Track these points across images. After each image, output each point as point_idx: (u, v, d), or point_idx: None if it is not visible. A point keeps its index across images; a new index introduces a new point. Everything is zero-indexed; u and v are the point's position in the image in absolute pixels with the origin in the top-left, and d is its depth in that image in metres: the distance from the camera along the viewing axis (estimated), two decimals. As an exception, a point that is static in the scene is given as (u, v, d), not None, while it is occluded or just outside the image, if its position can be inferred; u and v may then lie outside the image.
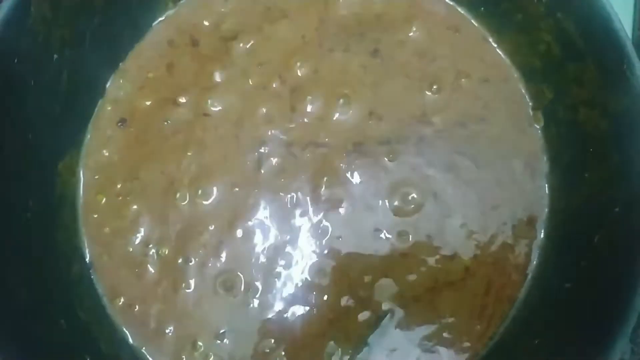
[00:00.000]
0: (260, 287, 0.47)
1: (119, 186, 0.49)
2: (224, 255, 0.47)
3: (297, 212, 0.48)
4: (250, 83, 0.51)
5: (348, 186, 0.48)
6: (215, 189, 0.48)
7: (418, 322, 0.46)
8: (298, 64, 0.51)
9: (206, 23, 0.52)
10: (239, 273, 0.47)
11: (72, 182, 0.49)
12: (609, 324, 0.38)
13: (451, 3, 0.52)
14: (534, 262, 0.48)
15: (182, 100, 0.50)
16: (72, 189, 0.49)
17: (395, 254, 0.47)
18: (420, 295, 0.46)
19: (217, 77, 0.51)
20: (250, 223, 0.48)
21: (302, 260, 0.47)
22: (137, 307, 0.47)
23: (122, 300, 0.47)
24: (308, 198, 0.48)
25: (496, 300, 0.47)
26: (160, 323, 0.47)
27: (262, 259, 0.47)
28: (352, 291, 0.46)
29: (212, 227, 0.48)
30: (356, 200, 0.48)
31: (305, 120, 0.50)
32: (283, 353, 0.46)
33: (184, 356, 0.46)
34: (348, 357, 0.46)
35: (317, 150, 0.49)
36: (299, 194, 0.48)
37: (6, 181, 0.43)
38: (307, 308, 0.46)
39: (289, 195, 0.48)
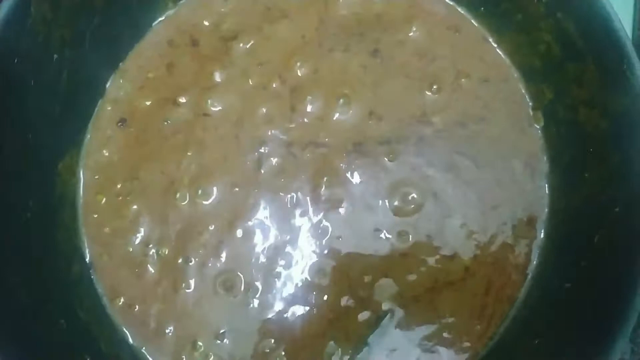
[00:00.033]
0: (260, 287, 0.47)
1: (119, 186, 0.49)
2: (224, 255, 0.47)
3: (297, 212, 0.48)
4: (250, 83, 0.51)
5: (348, 186, 0.48)
6: (215, 189, 0.48)
7: (418, 322, 0.46)
8: (298, 64, 0.51)
9: (206, 23, 0.52)
10: (239, 273, 0.47)
11: (72, 182, 0.49)
12: (609, 324, 0.38)
13: (451, 3, 0.52)
14: (534, 262, 0.48)
15: (182, 100, 0.50)
16: (72, 189, 0.49)
17: (395, 254, 0.47)
18: (420, 295, 0.46)
19: (217, 77, 0.51)
20: (250, 223, 0.48)
21: (302, 260, 0.47)
22: (137, 307, 0.47)
23: (122, 300, 0.47)
24: (308, 198, 0.48)
25: (496, 300, 0.47)
26: (160, 323, 0.47)
27: (262, 259, 0.47)
28: (352, 291, 0.46)
29: (212, 227, 0.48)
30: (356, 200, 0.48)
31: (305, 120, 0.50)
32: (283, 353, 0.46)
33: (184, 356, 0.46)
34: (348, 357, 0.46)
35: (317, 150, 0.49)
36: (299, 194, 0.48)
37: (6, 181, 0.43)
38: (307, 308, 0.46)
39: (288, 195, 0.48)
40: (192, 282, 0.47)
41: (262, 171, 0.49)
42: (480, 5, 0.51)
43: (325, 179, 0.48)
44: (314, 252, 0.47)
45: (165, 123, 0.50)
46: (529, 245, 0.48)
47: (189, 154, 0.49)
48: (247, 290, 0.47)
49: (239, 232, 0.48)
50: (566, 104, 0.47)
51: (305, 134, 0.49)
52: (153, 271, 0.47)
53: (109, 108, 0.51)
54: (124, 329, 0.47)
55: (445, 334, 0.46)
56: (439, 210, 0.48)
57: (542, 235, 0.48)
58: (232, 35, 0.52)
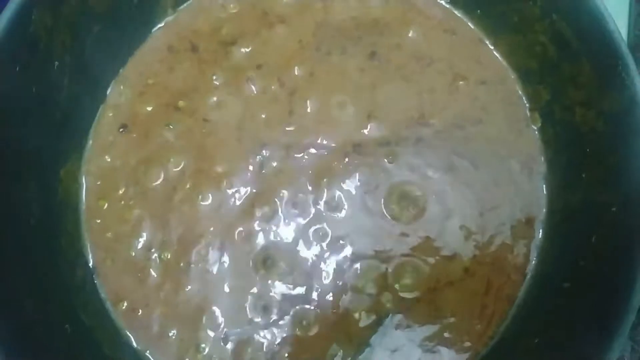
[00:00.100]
0: (262, 290, 0.47)
1: (121, 191, 0.49)
2: (225, 258, 0.48)
3: (298, 214, 0.48)
4: (250, 87, 0.51)
5: (348, 188, 0.48)
6: (216, 192, 0.49)
7: (419, 323, 0.46)
8: (296, 67, 0.51)
9: (205, 28, 0.53)
10: (240, 276, 0.47)
11: (74, 187, 0.49)
12: (607, 323, 0.39)
13: (447, 6, 0.53)
14: (533, 261, 0.48)
15: (183, 105, 0.51)
16: (75, 194, 0.49)
17: (396, 255, 0.47)
18: (420, 296, 0.47)
19: (217, 82, 0.51)
20: (251, 227, 0.48)
21: (303, 262, 0.47)
22: (140, 310, 0.47)
23: (125, 304, 0.47)
24: (308, 200, 0.48)
25: (496, 300, 0.47)
26: (164, 326, 0.47)
27: (264, 261, 0.47)
28: (353, 292, 0.47)
29: (213, 231, 0.48)
30: (356, 201, 0.48)
31: (304, 123, 0.50)
32: (286, 355, 0.46)
33: (187, 359, 0.46)
34: (350, 357, 0.46)
35: (317, 153, 0.49)
36: (299, 196, 0.48)
37: (9, 188, 0.43)
38: (309, 310, 0.47)
39: (289, 198, 0.48)
40: (194, 285, 0.47)
41: (262, 174, 0.49)
42: (476, 7, 0.52)
43: (325, 180, 0.49)
44: (314, 254, 0.47)
45: (166, 128, 0.50)
46: (528, 246, 0.48)
47: (190, 158, 0.49)
48: (249, 294, 0.47)
49: (240, 236, 0.48)
50: (563, 105, 0.48)
51: (304, 137, 0.50)
52: (156, 275, 0.48)
53: (110, 114, 0.51)
54: (128, 333, 0.47)
55: (446, 334, 0.46)
56: (438, 211, 0.48)
57: (540, 235, 0.49)
58: (231, 40, 0.52)
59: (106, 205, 0.49)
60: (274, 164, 0.49)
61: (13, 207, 0.43)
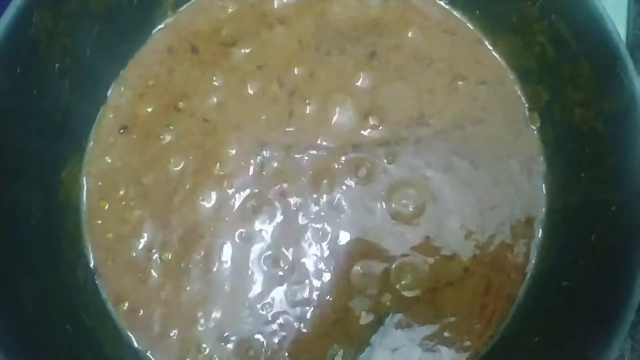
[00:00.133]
0: (262, 290, 0.47)
1: (121, 192, 0.49)
2: (226, 259, 0.48)
3: (298, 215, 0.48)
4: (250, 88, 0.51)
5: (347, 188, 0.49)
6: (216, 193, 0.49)
7: (419, 322, 0.46)
8: (296, 68, 0.51)
9: (205, 30, 0.53)
10: (241, 276, 0.47)
11: (75, 189, 0.49)
12: (607, 322, 0.39)
13: (446, 7, 0.53)
14: (533, 261, 0.48)
15: (183, 106, 0.51)
16: (76, 195, 0.49)
17: (396, 254, 0.47)
18: (420, 296, 0.47)
19: (217, 83, 0.51)
20: (251, 227, 0.48)
21: (303, 262, 0.47)
22: (141, 311, 0.47)
23: (126, 304, 0.47)
24: (308, 201, 0.48)
25: (496, 299, 0.47)
26: (165, 327, 0.47)
27: (265, 262, 0.48)
28: (353, 292, 0.47)
29: (214, 232, 0.48)
30: (356, 202, 0.48)
31: (304, 123, 0.50)
32: (286, 354, 0.46)
33: (188, 359, 0.46)
34: (350, 357, 0.46)
35: (316, 154, 0.49)
36: (299, 197, 0.48)
37: (10, 189, 0.43)
38: (310, 310, 0.47)
39: (289, 199, 0.48)
40: (195, 286, 0.47)
41: (262, 175, 0.49)
42: (475, 8, 0.52)
43: (324, 181, 0.49)
44: (314, 254, 0.48)
45: (167, 129, 0.50)
46: (527, 245, 0.48)
47: (190, 158, 0.49)
48: (250, 294, 0.47)
49: (241, 236, 0.48)
50: (562, 105, 0.48)
51: (304, 138, 0.50)
52: (156, 276, 0.48)
53: (111, 115, 0.51)
54: (129, 333, 0.47)
55: (446, 334, 0.46)
56: (438, 211, 0.48)
57: (540, 235, 0.49)
58: (231, 41, 0.52)
59: (107, 206, 0.49)
60: (274, 164, 0.49)
61: (14, 208, 0.43)
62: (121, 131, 0.51)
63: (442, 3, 0.53)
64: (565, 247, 0.46)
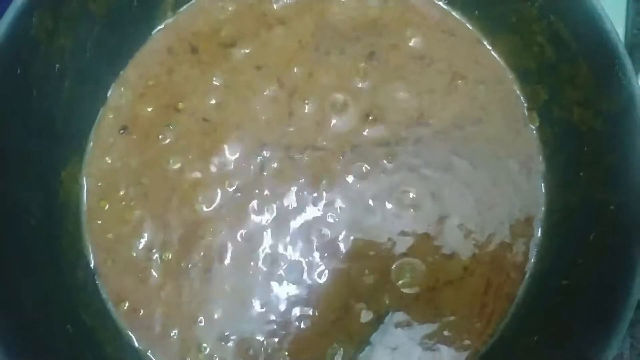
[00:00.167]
0: (263, 290, 0.47)
1: (122, 192, 0.49)
2: (226, 259, 0.48)
3: (298, 215, 0.48)
4: (249, 88, 0.51)
5: (347, 188, 0.49)
6: (216, 193, 0.49)
7: (419, 321, 0.47)
8: (295, 68, 0.51)
9: (205, 30, 0.53)
10: (241, 276, 0.47)
11: (75, 189, 0.49)
12: (605, 320, 0.39)
13: (446, 7, 0.53)
14: (532, 260, 0.48)
15: (183, 106, 0.51)
16: (76, 196, 0.49)
17: (395, 254, 0.47)
18: (420, 294, 0.47)
19: (217, 83, 0.51)
20: (251, 227, 0.48)
21: (303, 262, 0.48)
22: (141, 311, 0.47)
23: (126, 304, 0.48)
24: (308, 201, 0.49)
25: (495, 298, 0.47)
26: (165, 326, 0.47)
27: (265, 261, 0.48)
28: (353, 291, 0.47)
29: (214, 231, 0.48)
30: (355, 201, 0.48)
31: (303, 123, 0.50)
32: (286, 353, 0.46)
33: (189, 358, 0.46)
34: (350, 356, 0.46)
35: (316, 154, 0.49)
36: (299, 197, 0.49)
37: (10, 189, 0.43)
38: (310, 309, 0.47)
39: (288, 199, 0.49)
40: (195, 285, 0.47)
41: (262, 175, 0.49)
42: (474, 8, 0.52)
43: (324, 181, 0.49)
44: (314, 254, 0.48)
45: (167, 129, 0.50)
46: (527, 244, 0.49)
47: (190, 159, 0.50)
48: (250, 293, 0.47)
49: (241, 236, 0.48)
50: (561, 105, 0.48)
51: (303, 138, 0.50)
52: (157, 275, 0.48)
53: (111, 116, 0.51)
54: (130, 333, 0.47)
55: (445, 332, 0.47)
56: (437, 211, 0.48)
57: (539, 234, 0.49)
58: (230, 42, 0.52)
59: (107, 206, 0.49)
60: (274, 164, 0.49)
61: (14, 208, 0.43)
62: (121, 131, 0.51)
63: (441, 3, 0.53)
64: (564, 246, 0.46)
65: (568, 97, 0.47)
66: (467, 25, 0.53)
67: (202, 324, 0.47)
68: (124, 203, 0.49)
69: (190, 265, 0.48)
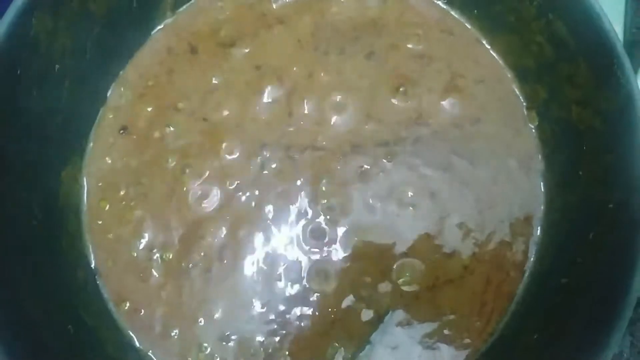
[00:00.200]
0: (263, 289, 0.47)
1: (122, 192, 0.49)
2: (226, 258, 0.48)
3: (298, 215, 0.48)
4: (249, 88, 0.51)
5: (347, 188, 0.49)
6: (216, 193, 0.49)
7: (419, 320, 0.47)
8: (295, 68, 0.51)
9: (204, 30, 0.53)
10: (242, 276, 0.47)
11: (75, 189, 0.49)
12: (605, 318, 0.39)
13: (444, 7, 0.53)
14: (531, 258, 0.48)
15: (183, 106, 0.51)
16: (76, 196, 0.49)
17: (395, 253, 0.48)
18: (420, 294, 0.47)
19: (216, 83, 0.51)
20: (251, 227, 0.48)
21: (304, 262, 0.48)
22: (142, 311, 0.47)
23: (127, 304, 0.48)
24: (308, 201, 0.49)
25: (495, 297, 0.47)
26: (166, 326, 0.47)
27: (265, 261, 0.48)
28: (353, 291, 0.47)
29: (214, 231, 0.48)
30: (355, 201, 0.48)
31: (303, 123, 0.50)
32: (287, 353, 0.46)
33: (189, 358, 0.46)
34: (351, 355, 0.46)
35: (316, 154, 0.49)
36: (299, 197, 0.49)
37: (10, 190, 0.43)
38: (310, 308, 0.47)
39: (288, 199, 0.49)
40: (196, 285, 0.47)
41: (262, 175, 0.49)
42: (473, 8, 0.52)
43: (324, 181, 0.49)
44: (315, 253, 0.48)
45: (167, 129, 0.50)
46: (526, 243, 0.49)
47: (190, 158, 0.50)
48: (251, 293, 0.47)
49: (241, 236, 0.48)
50: (560, 104, 0.48)
51: (303, 138, 0.50)
52: (157, 275, 0.48)
53: (111, 116, 0.51)
54: (131, 333, 0.47)
55: (445, 331, 0.47)
56: (437, 210, 0.48)
57: (538, 233, 0.49)
58: (230, 42, 0.52)
59: (107, 206, 0.49)
60: (274, 164, 0.49)
61: (14, 209, 0.43)
62: (121, 132, 0.51)
63: (440, 3, 0.53)
64: (563, 244, 0.47)
65: (567, 96, 0.47)
66: (466, 24, 0.53)
67: (203, 324, 0.47)
68: (124, 203, 0.49)
69: (190, 265, 0.48)
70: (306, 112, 0.50)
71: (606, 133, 0.44)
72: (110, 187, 0.50)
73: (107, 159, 0.50)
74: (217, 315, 0.47)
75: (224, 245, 0.48)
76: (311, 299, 0.47)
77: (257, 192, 0.49)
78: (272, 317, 0.47)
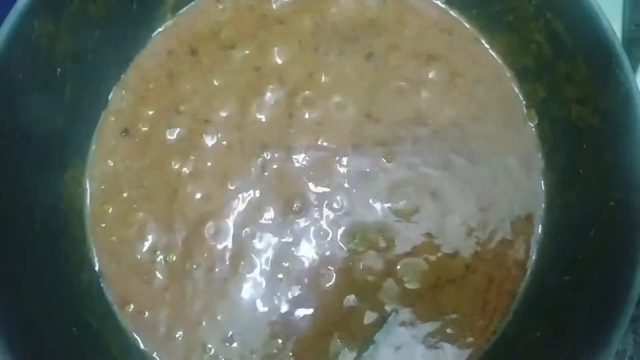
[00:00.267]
0: (266, 290, 0.47)
1: (124, 195, 0.49)
2: (230, 259, 0.48)
3: (299, 215, 0.49)
4: (249, 89, 0.51)
5: (348, 188, 0.49)
6: (218, 194, 0.49)
7: (422, 320, 0.47)
8: (295, 69, 0.51)
9: (204, 32, 0.53)
10: (245, 277, 0.48)
11: (78, 192, 0.50)
12: (606, 315, 0.39)
13: (443, 6, 0.53)
14: (533, 257, 0.49)
15: (184, 108, 0.51)
16: (79, 199, 0.50)
17: (397, 253, 0.48)
18: (423, 293, 0.47)
19: (217, 85, 0.51)
20: (254, 227, 0.48)
21: (306, 262, 0.48)
22: (146, 313, 0.47)
23: (131, 307, 0.48)
24: (309, 201, 0.49)
25: (497, 296, 0.48)
26: (170, 328, 0.47)
27: (267, 262, 0.48)
28: (356, 291, 0.47)
29: (216, 233, 0.48)
30: (357, 201, 0.49)
31: (304, 124, 0.50)
32: (291, 353, 0.46)
33: (194, 360, 0.47)
34: (355, 355, 0.46)
35: (316, 154, 0.50)
36: (301, 197, 0.49)
37: (13, 193, 0.43)
38: (313, 308, 0.47)
39: (290, 199, 0.49)
40: (199, 286, 0.47)
41: (264, 176, 0.49)
42: (472, 7, 0.52)
43: (325, 182, 0.49)
44: (317, 253, 0.48)
45: (168, 131, 0.51)
46: (527, 241, 0.49)
47: (192, 160, 0.50)
48: (254, 293, 0.47)
49: (243, 237, 0.48)
50: (559, 102, 0.48)
51: (304, 138, 0.50)
52: (161, 277, 0.48)
53: (112, 119, 0.51)
54: (135, 335, 0.47)
55: (448, 330, 0.47)
56: (438, 209, 0.49)
57: (539, 231, 0.49)
58: (230, 43, 0.52)
59: (110, 209, 0.49)
60: (275, 165, 0.49)
61: (17, 212, 0.43)
62: (123, 134, 0.51)
63: (439, 2, 0.53)
64: (565, 242, 0.47)
65: (566, 94, 0.47)
66: (465, 24, 0.53)
67: (207, 325, 0.47)
68: (127, 206, 0.49)
69: (194, 267, 0.48)
70: (306, 113, 0.51)
71: (606, 131, 0.44)
72: (113, 190, 0.50)
73: (109, 161, 0.50)
74: (220, 317, 0.47)
75: (227, 246, 0.48)
76: (314, 299, 0.47)
77: (258, 193, 0.49)
78: (275, 317, 0.47)
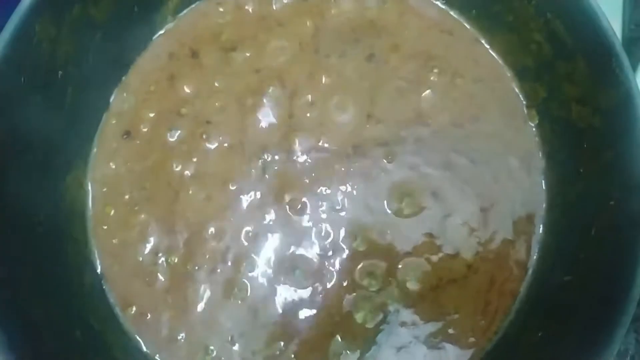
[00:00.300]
0: (268, 291, 0.47)
1: (126, 197, 0.50)
2: (231, 261, 0.48)
3: (300, 216, 0.49)
4: (250, 91, 0.51)
5: (349, 188, 0.49)
6: (219, 196, 0.49)
7: (424, 320, 0.47)
8: (296, 70, 0.51)
9: (205, 34, 0.53)
10: (246, 278, 0.48)
11: (80, 194, 0.50)
12: (608, 315, 0.39)
13: (443, 7, 0.53)
14: (534, 256, 0.49)
15: (185, 111, 0.51)
16: (81, 201, 0.50)
17: (399, 253, 0.48)
18: (424, 294, 0.47)
19: (218, 86, 0.52)
20: (256, 229, 0.48)
21: (307, 263, 0.48)
22: (149, 315, 0.47)
23: (134, 309, 0.48)
24: (310, 202, 0.49)
25: (499, 296, 0.48)
26: (172, 330, 0.47)
27: (269, 263, 0.48)
28: (357, 292, 0.47)
29: (218, 234, 0.48)
30: (357, 202, 0.49)
31: (305, 125, 0.50)
32: (292, 355, 0.46)
33: (196, 361, 0.47)
34: (357, 356, 0.46)
35: (317, 155, 0.50)
36: (302, 198, 0.49)
37: (16, 196, 0.43)
38: (315, 310, 0.47)
39: (291, 200, 0.49)
40: (201, 288, 0.48)
41: (265, 177, 0.49)
42: (471, 8, 0.52)
43: (326, 182, 0.49)
44: (318, 254, 0.48)
45: (169, 133, 0.51)
46: (529, 241, 0.49)
47: (193, 162, 0.50)
48: (256, 295, 0.47)
49: (245, 238, 0.48)
50: (559, 102, 0.48)
51: (305, 139, 0.50)
52: (163, 279, 0.48)
53: (114, 121, 0.51)
54: (137, 337, 0.47)
55: (450, 331, 0.47)
56: (439, 209, 0.49)
57: (540, 230, 0.49)
58: (231, 46, 0.53)
59: (112, 211, 0.50)
60: (276, 167, 0.50)
61: (20, 215, 0.43)
62: (124, 137, 0.51)
63: (438, 3, 0.53)
64: (566, 242, 0.47)
65: (566, 94, 0.47)
66: (465, 24, 0.53)
67: (209, 327, 0.47)
68: (128, 208, 0.49)
69: (196, 268, 0.48)
70: (307, 114, 0.51)
71: (606, 130, 0.44)
72: (115, 192, 0.50)
73: (111, 164, 0.50)
74: (222, 318, 0.47)
75: (228, 247, 0.48)
76: (316, 300, 0.47)
77: (259, 194, 0.49)
78: (277, 318, 0.47)
